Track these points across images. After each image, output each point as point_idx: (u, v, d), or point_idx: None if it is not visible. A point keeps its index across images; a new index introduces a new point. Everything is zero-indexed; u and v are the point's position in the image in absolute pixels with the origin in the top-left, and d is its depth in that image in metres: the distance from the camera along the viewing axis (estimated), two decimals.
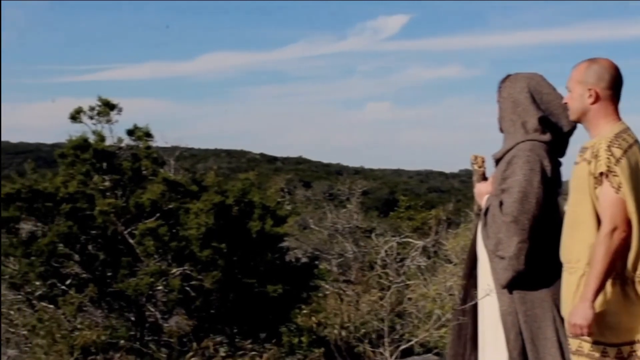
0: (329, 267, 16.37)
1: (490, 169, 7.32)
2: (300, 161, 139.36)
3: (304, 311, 11.87)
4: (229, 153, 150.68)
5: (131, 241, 10.93)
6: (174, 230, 10.99)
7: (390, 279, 11.10)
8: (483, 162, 7.39)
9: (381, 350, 9.99)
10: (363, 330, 11.00)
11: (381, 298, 10.88)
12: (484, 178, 7.32)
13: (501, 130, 7.15)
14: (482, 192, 7.16)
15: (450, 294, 11.37)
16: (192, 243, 10.80)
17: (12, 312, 11.57)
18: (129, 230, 11.01)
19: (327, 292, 13.37)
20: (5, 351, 11.23)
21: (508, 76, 7.11)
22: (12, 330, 11.39)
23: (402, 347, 10.00)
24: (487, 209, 6.92)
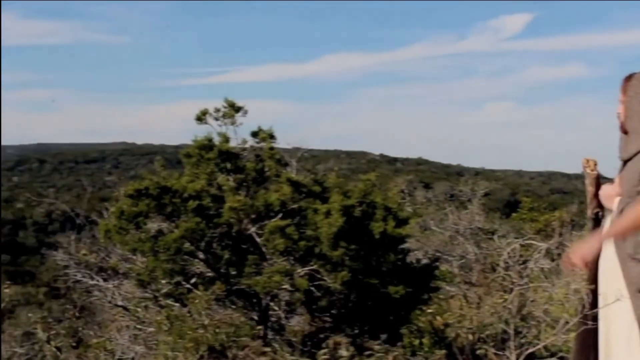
0: (450, 268, 16.19)
1: (607, 171, 7.13)
2: (420, 162, 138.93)
3: (428, 312, 11.77)
4: (349, 154, 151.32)
5: (258, 240, 11.05)
6: (301, 230, 11.07)
7: (513, 281, 10.94)
8: (595, 165, 7.20)
9: (507, 353, 9.83)
10: (486, 333, 10.85)
11: (504, 300, 10.73)
12: (597, 181, 7.12)
13: (625, 131, 6.93)
14: (611, 194, 6.94)
15: (576, 298, 11.11)
16: (321, 243, 10.84)
17: (139, 309, 11.84)
18: (253, 228, 11.14)
19: (451, 294, 13.24)
20: (133, 348, 11.51)
21: (632, 75, 6.89)
22: (139, 327, 11.66)
23: (529, 351, 9.82)
24: (620, 211, 6.71)
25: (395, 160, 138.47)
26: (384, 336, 11.29)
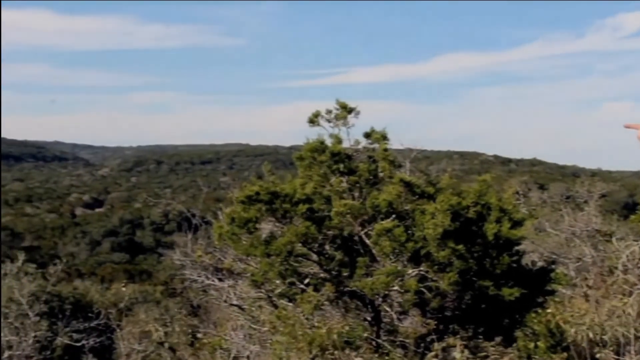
0: (565, 271, 15.90)
1: None
2: (534, 163, 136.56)
3: (544, 315, 11.56)
4: (462, 155, 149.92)
5: (367, 241, 11.07)
6: (409, 231, 11.02)
7: (634, 284, 10.66)
8: None
9: (626, 358, 9.60)
10: (605, 336, 10.60)
11: (623, 304, 10.47)
12: None
13: None
14: None
15: None
16: (428, 244, 10.79)
17: (254, 309, 12.00)
18: (365, 231, 11.16)
19: (568, 296, 13.00)
20: (247, 346, 11.68)
21: None
22: (254, 326, 11.82)
23: None
24: None
25: (509, 161, 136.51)
26: (498, 338, 11.16)
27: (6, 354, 16.34)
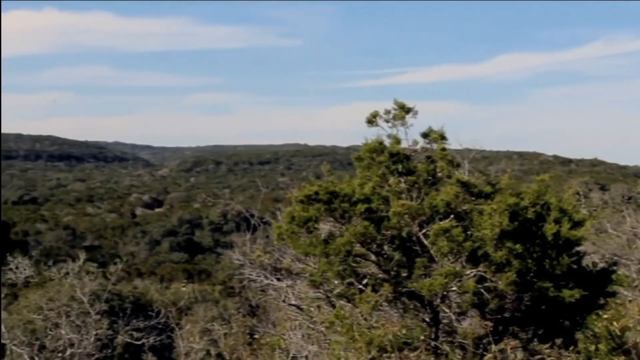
0: (627, 273, 15.70)
1: None
2: (595, 163, 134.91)
3: (605, 317, 11.42)
4: (521, 155, 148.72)
5: (425, 242, 11.04)
6: (467, 232, 10.97)
7: None
8: None
9: None
10: None
11: None
12: None
13: None
14: None
15: None
16: (486, 244, 10.72)
17: (312, 309, 12.04)
18: (423, 231, 11.13)
19: (629, 299, 12.83)
20: (306, 347, 11.72)
21: None
22: (312, 326, 11.86)
23: None
24: None
25: (569, 161, 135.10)
26: (558, 341, 11.05)
27: (68, 351, 16.58)
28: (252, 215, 15.10)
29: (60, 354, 16.52)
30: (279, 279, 13.56)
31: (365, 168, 11.72)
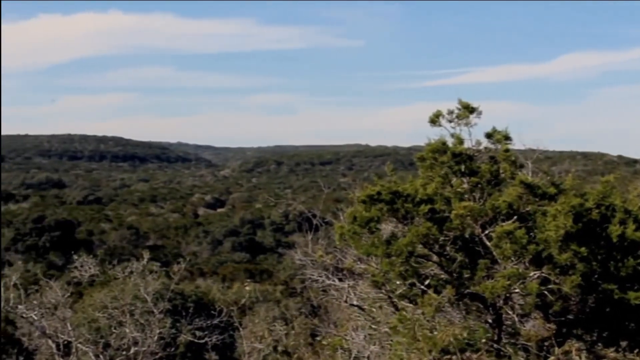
0: None
1: None
2: None
3: None
4: (585, 155, 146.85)
5: (488, 243, 10.96)
6: (531, 233, 10.87)
7: None
8: None
9: None
10: None
11: None
12: None
13: None
14: None
15: None
16: (550, 246, 10.61)
17: (374, 310, 12.02)
18: (486, 232, 11.05)
19: None
20: (368, 347, 11.71)
21: None
22: (374, 327, 11.84)
23: None
24: None
25: (634, 161, 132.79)
26: (623, 343, 10.89)
27: (132, 350, 16.75)
28: (314, 216, 15.11)
29: (124, 352, 16.70)
30: (340, 280, 13.56)
31: (428, 168, 11.68)
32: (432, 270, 11.35)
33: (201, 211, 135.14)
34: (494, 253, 10.85)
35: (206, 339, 18.50)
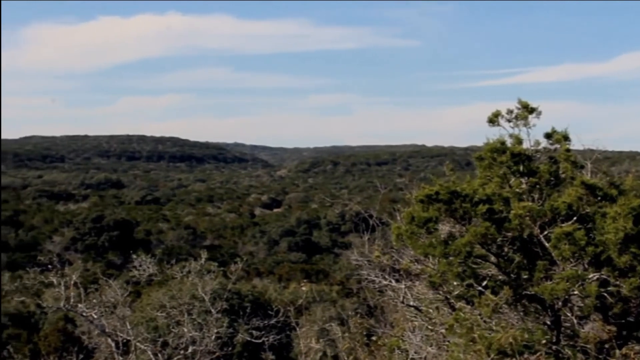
0: None
1: None
2: None
3: None
4: None
5: (547, 244, 10.86)
6: (590, 235, 10.75)
7: None
8: None
9: None
10: None
11: None
12: None
13: None
14: None
15: None
16: (609, 248, 10.48)
17: (431, 310, 11.97)
18: (544, 233, 10.95)
19: None
20: (425, 348, 11.67)
21: None
22: (430, 328, 11.80)
23: None
24: None
25: None
26: None
27: (190, 349, 16.89)
28: (371, 216, 15.09)
29: (182, 351, 16.84)
30: (397, 280, 13.53)
31: (486, 168, 11.61)
32: (489, 271, 11.28)
33: (258, 211, 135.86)
34: (553, 254, 10.75)
35: (263, 338, 18.56)
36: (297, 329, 18.60)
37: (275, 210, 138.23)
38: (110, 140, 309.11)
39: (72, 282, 16.82)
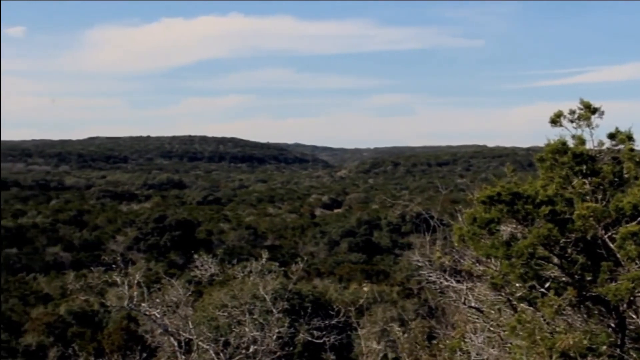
0: None
1: None
2: None
3: None
4: None
5: (611, 245, 10.72)
6: None
7: None
8: None
9: None
10: None
11: None
12: None
13: None
14: None
15: None
16: None
17: (492, 312, 11.89)
18: (609, 234, 10.82)
19: None
20: (487, 350, 11.59)
21: None
22: (492, 329, 11.71)
23: None
24: None
25: None
26: None
27: (251, 348, 16.99)
28: (432, 217, 15.03)
29: (243, 351, 16.94)
30: (458, 281, 13.46)
31: (548, 169, 11.50)
32: (552, 272, 11.16)
33: (318, 212, 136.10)
34: (618, 255, 10.60)
35: (324, 339, 18.60)
36: (358, 329, 18.61)
37: (336, 210, 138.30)
38: (173, 141, 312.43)
39: (135, 282, 17.03)
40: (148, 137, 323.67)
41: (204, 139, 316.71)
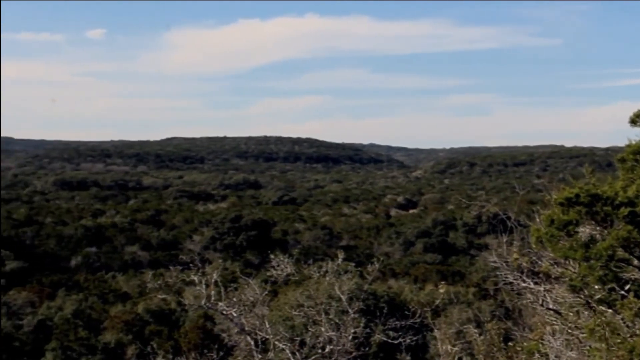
0: None
1: None
2: None
3: None
4: None
5: None
6: None
7: None
8: None
9: None
10: None
11: None
12: None
13: None
14: None
15: None
16: None
17: (570, 314, 11.74)
18: None
19: None
20: (565, 352, 11.45)
21: None
22: (571, 332, 11.57)
23: None
24: None
25: None
26: None
27: (327, 348, 17.03)
28: (509, 218, 14.90)
29: (319, 351, 17.00)
30: (536, 283, 13.33)
31: (629, 170, 11.33)
32: (633, 274, 10.99)
33: (393, 212, 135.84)
34: None
35: (399, 339, 18.56)
36: (434, 330, 18.53)
37: (411, 211, 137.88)
38: (249, 141, 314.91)
39: (213, 281, 17.20)
40: (224, 137, 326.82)
41: (279, 140, 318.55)
